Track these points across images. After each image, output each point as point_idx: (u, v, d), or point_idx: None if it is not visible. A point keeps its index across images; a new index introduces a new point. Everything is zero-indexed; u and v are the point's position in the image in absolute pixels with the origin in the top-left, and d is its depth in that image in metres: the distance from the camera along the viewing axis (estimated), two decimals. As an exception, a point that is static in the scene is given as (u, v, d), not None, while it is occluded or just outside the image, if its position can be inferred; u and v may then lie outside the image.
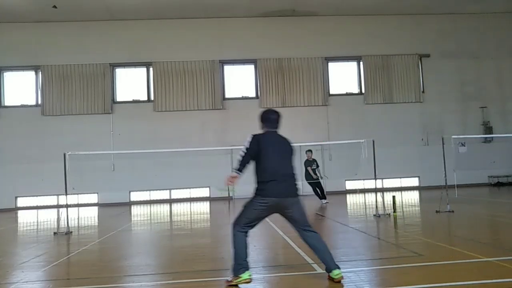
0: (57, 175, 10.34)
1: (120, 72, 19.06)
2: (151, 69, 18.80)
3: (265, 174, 4.55)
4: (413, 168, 18.99)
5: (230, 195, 18.05)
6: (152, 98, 18.76)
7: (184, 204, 17.42)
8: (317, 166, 14.28)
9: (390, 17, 19.38)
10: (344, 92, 19.57)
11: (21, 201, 18.18)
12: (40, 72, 18.45)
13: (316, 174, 14.00)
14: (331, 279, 4.50)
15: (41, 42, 18.36)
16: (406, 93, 19.34)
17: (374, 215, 9.81)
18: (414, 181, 19.42)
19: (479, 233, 7.46)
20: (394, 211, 9.78)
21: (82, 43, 18.41)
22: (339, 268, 4.49)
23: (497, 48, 19.80)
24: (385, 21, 19.35)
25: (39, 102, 18.43)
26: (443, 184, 10.49)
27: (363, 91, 19.43)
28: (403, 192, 17.44)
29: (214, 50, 18.78)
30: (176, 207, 16.16)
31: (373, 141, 10.28)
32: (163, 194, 18.59)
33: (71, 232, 9.33)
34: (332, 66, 19.64)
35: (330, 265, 4.52)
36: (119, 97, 18.88)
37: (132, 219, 13.09)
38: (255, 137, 4.66)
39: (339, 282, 4.42)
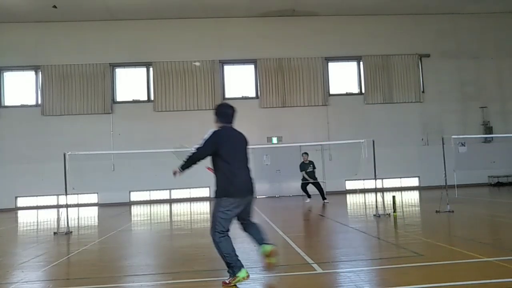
0: (57, 175, 10.33)
1: (120, 72, 19.07)
2: (151, 69, 18.81)
3: (228, 172, 4.53)
4: (413, 168, 18.99)
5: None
6: (152, 98, 18.76)
7: (184, 204, 17.42)
8: (314, 167, 14.29)
9: (390, 17, 19.38)
10: (344, 92, 19.57)
11: (21, 201, 18.18)
12: (40, 72, 18.46)
13: (312, 177, 14.01)
14: (264, 256, 4.63)
15: (41, 42, 18.37)
16: (406, 93, 19.35)
17: (374, 215, 9.80)
18: (414, 181, 19.43)
19: (479, 233, 7.46)
20: (394, 211, 9.78)
21: (82, 43, 18.42)
22: (272, 244, 4.68)
23: (497, 48, 19.80)
24: (385, 21, 19.36)
25: (39, 102, 18.43)
26: (443, 184, 10.48)
27: (363, 91, 19.43)
28: (403, 192, 17.44)
29: (214, 50, 18.78)
30: (176, 207, 16.16)
31: (373, 141, 10.27)
32: (163, 194, 18.60)
33: (71, 232, 9.32)
34: (332, 66, 19.64)
35: (264, 239, 4.69)
36: (119, 97, 18.88)
37: (132, 219, 13.10)
38: (216, 133, 4.62)
39: (272, 259, 4.61)
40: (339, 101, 19.26)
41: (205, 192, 18.43)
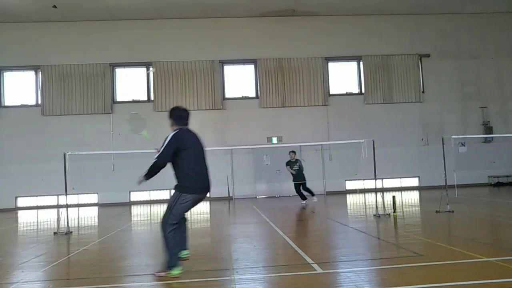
0: (57, 175, 10.33)
1: (120, 72, 19.06)
2: (151, 69, 18.81)
3: (190, 172, 4.82)
4: (413, 168, 18.99)
5: (230, 195, 18.06)
6: (152, 98, 18.76)
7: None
8: (300, 167, 13.83)
9: (390, 17, 19.38)
10: (344, 92, 19.57)
11: (21, 201, 18.18)
12: (40, 72, 18.45)
13: (298, 178, 13.69)
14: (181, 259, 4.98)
15: (41, 42, 18.37)
16: (406, 93, 19.34)
17: (374, 215, 9.80)
18: (414, 181, 19.42)
19: (479, 233, 7.46)
20: (394, 211, 9.78)
21: (82, 43, 18.42)
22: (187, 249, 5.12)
23: (497, 48, 19.80)
24: (385, 21, 19.36)
25: (39, 102, 18.43)
26: (443, 184, 10.49)
27: (363, 91, 19.43)
28: (403, 192, 17.44)
29: (214, 50, 18.78)
30: (176, 207, 16.12)
31: (373, 141, 10.27)
32: (163, 194, 18.58)
33: (71, 232, 9.32)
34: (332, 66, 19.64)
35: (185, 245, 5.09)
36: (119, 97, 18.87)
37: (132, 219, 13.09)
38: (176, 136, 4.92)
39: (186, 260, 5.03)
40: (339, 101, 19.25)
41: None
